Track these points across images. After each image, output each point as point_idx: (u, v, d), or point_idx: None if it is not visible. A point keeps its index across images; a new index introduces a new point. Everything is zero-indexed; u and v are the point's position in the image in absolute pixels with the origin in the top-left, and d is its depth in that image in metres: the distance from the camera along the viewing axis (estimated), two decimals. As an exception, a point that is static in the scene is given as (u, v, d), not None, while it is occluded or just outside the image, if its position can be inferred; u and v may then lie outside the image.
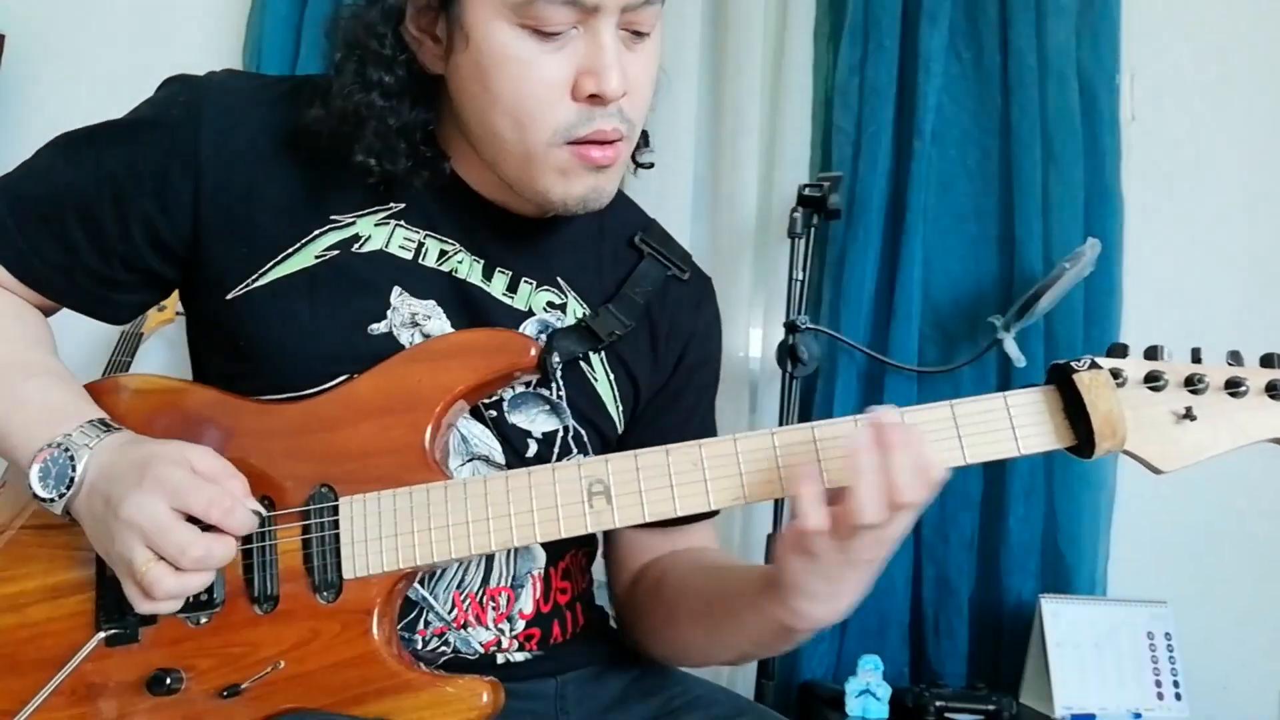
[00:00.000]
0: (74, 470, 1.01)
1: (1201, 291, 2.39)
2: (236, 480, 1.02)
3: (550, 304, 1.19)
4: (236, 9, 2.56)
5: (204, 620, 1.04)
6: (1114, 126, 2.40)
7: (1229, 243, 2.44)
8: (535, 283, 1.19)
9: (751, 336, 2.50)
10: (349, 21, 1.09)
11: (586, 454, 1.19)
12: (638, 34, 1.06)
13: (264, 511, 1.03)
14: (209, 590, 1.02)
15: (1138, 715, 2.11)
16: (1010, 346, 2.23)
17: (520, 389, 1.16)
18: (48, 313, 1.20)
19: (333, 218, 1.13)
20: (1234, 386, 0.98)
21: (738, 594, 1.10)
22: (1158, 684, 2.14)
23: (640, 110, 1.10)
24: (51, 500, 1.02)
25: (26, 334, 1.15)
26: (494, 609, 1.15)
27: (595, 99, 1.03)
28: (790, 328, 2.15)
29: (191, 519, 0.98)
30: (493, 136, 1.07)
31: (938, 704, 2.04)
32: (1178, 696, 2.13)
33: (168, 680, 1.03)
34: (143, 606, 1.00)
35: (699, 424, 1.31)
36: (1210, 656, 2.24)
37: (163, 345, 2.26)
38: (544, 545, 1.19)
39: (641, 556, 1.28)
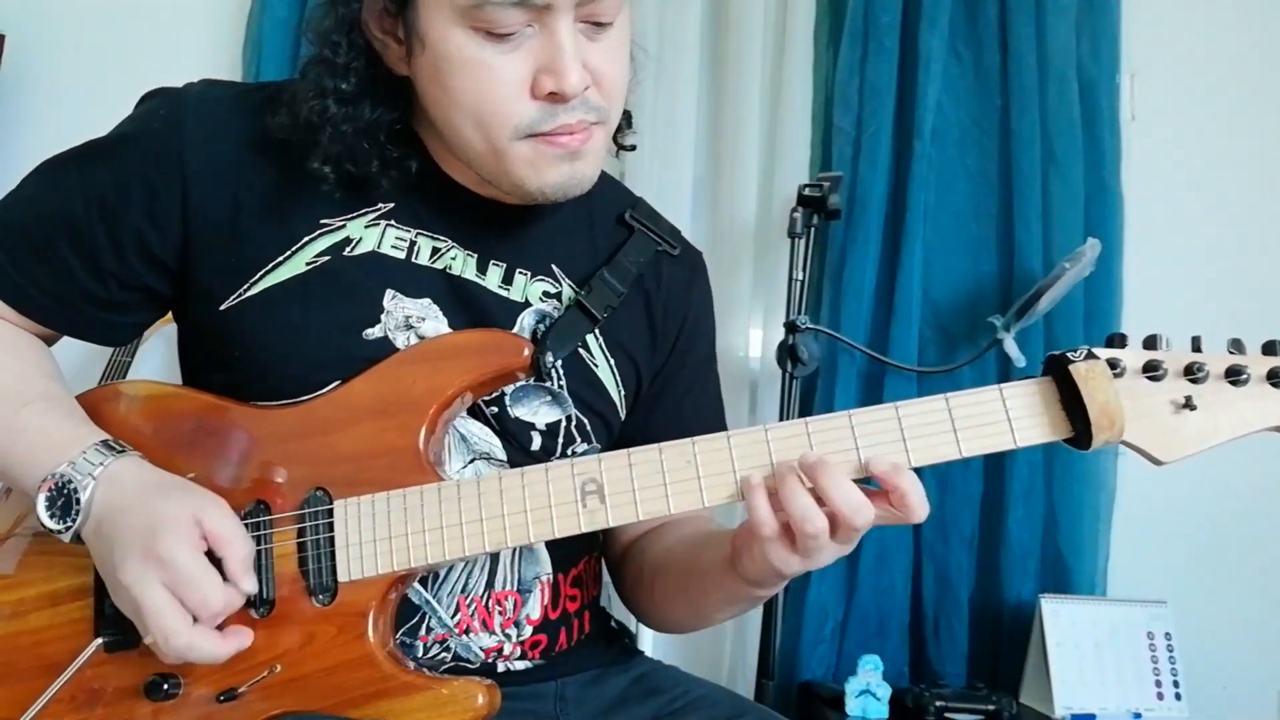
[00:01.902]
0: (79, 501, 1.01)
1: (1202, 291, 2.39)
2: (242, 543, 1.01)
3: (546, 293, 1.19)
4: (236, 10, 2.56)
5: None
6: (1114, 126, 2.40)
7: (1229, 242, 2.44)
8: (530, 273, 1.19)
9: (751, 336, 2.50)
10: (310, 27, 1.10)
11: (590, 442, 1.19)
12: (599, 24, 1.04)
13: (254, 588, 1.02)
14: None
15: (1138, 715, 2.11)
16: (1010, 346, 2.23)
17: (521, 382, 1.15)
18: (50, 341, 1.20)
19: (323, 222, 1.13)
20: (1235, 375, 0.96)
21: (709, 573, 1.12)
22: (1158, 684, 2.14)
23: (613, 94, 1.08)
24: (59, 531, 1.02)
25: (24, 361, 1.14)
26: (500, 614, 1.15)
27: (555, 96, 1.03)
28: (790, 328, 2.15)
29: None
30: (458, 136, 1.07)
31: (938, 704, 2.03)
32: (1178, 696, 2.13)
33: (165, 685, 1.03)
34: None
35: (699, 398, 1.32)
36: (1210, 656, 2.24)
37: (163, 344, 2.26)
38: (556, 552, 1.19)
39: (632, 532, 1.29)
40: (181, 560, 0.97)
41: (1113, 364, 0.96)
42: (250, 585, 1.01)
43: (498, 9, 0.99)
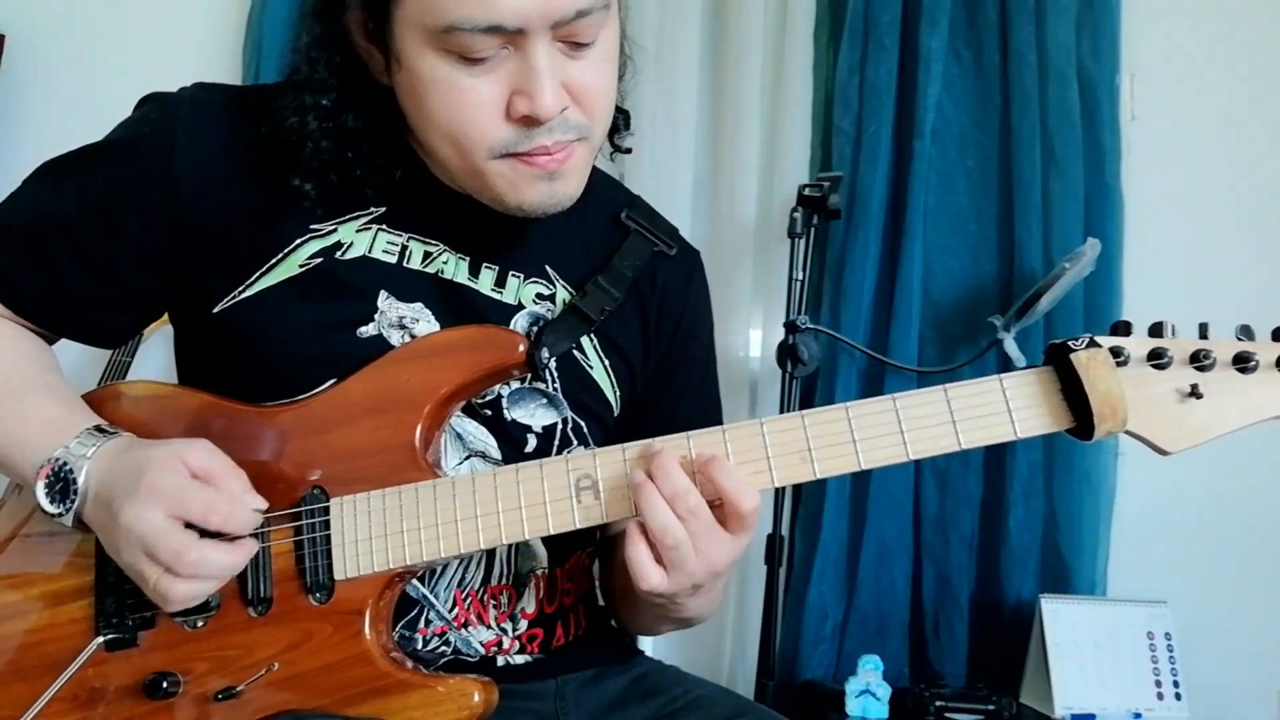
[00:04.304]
0: (76, 483, 1.01)
1: (1202, 291, 2.39)
2: (234, 477, 1.02)
3: (540, 295, 1.19)
4: (236, 9, 2.56)
5: (200, 624, 1.05)
6: (1114, 126, 2.40)
7: (1230, 242, 2.44)
8: (523, 275, 1.19)
9: (751, 336, 2.50)
10: (294, 41, 1.10)
11: (587, 444, 1.19)
12: (579, 44, 1.02)
13: (264, 504, 1.03)
14: None
15: (1138, 715, 2.11)
16: (1010, 347, 2.23)
17: (517, 384, 1.16)
18: (49, 342, 1.20)
19: (313, 226, 1.13)
20: (1243, 362, 0.94)
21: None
22: (1158, 684, 2.14)
23: (596, 112, 1.07)
24: (60, 515, 1.02)
25: (24, 354, 1.15)
26: (495, 608, 1.15)
27: (530, 119, 1.01)
28: (790, 328, 2.16)
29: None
30: (437, 152, 1.08)
31: (938, 704, 2.04)
32: (1178, 696, 2.14)
33: (164, 684, 1.03)
34: (168, 609, 1.02)
35: (695, 398, 1.31)
36: (1210, 656, 2.24)
37: (163, 344, 2.26)
38: (552, 546, 1.19)
39: (614, 527, 1.27)
40: (171, 482, 0.98)
41: (1116, 352, 0.94)
42: (258, 500, 1.02)
43: (469, 35, 0.97)
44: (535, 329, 1.17)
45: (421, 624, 1.12)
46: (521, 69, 1.00)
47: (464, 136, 1.03)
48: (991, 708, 2.04)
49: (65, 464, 1.02)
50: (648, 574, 0.97)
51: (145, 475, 0.98)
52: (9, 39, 2.53)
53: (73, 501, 1.01)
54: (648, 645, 1.77)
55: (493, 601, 1.15)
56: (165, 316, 1.21)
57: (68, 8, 2.63)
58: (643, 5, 2.45)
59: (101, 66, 2.56)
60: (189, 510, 0.98)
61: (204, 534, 0.99)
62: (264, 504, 1.03)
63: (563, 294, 1.20)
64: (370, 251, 1.14)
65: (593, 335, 1.20)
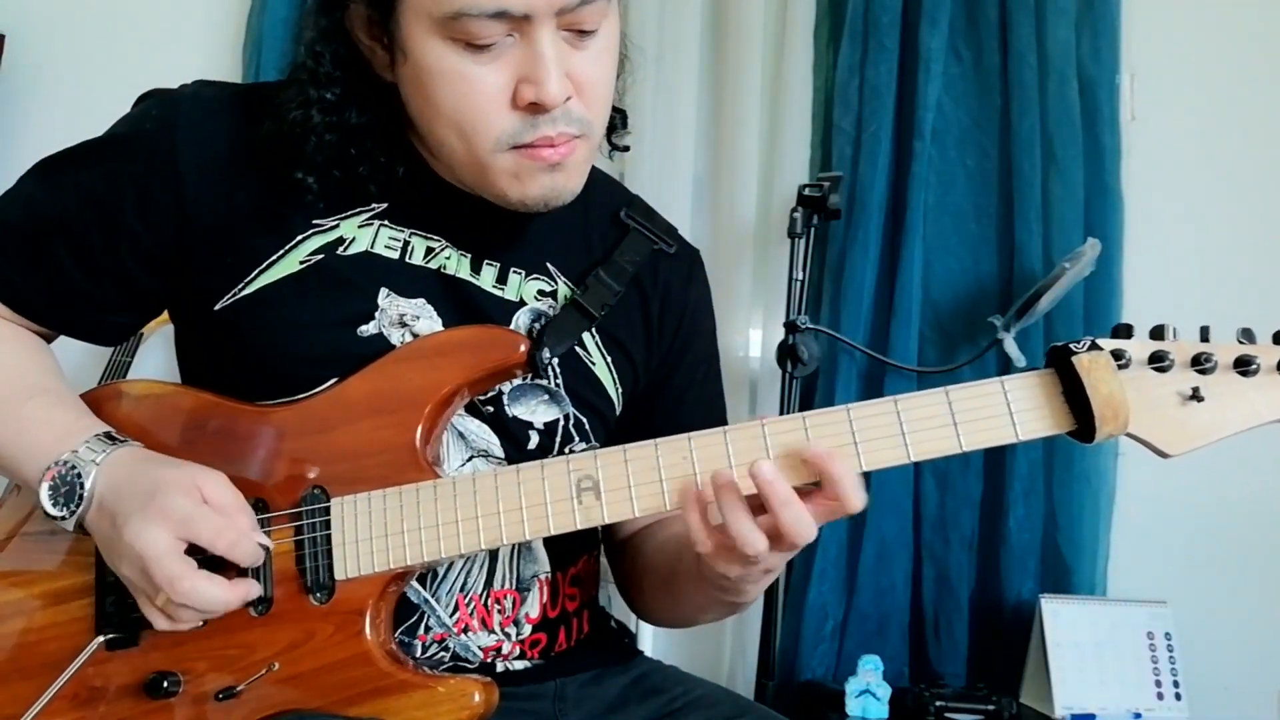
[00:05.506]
0: (83, 487, 1.01)
1: (1203, 291, 2.39)
2: (245, 512, 1.02)
3: (541, 292, 1.19)
4: (236, 9, 2.56)
5: (201, 624, 1.04)
6: (1114, 126, 2.40)
7: (1230, 242, 2.44)
8: (525, 272, 1.19)
9: (751, 336, 2.50)
10: (298, 36, 1.11)
11: (589, 441, 1.19)
12: (583, 33, 1.03)
13: (271, 544, 1.03)
14: None
15: (1138, 715, 2.11)
16: (1010, 347, 2.23)
17: (518, 381, 1.16)
18: (48, 340, 1.20)
19: (315, 222, 1.13)
20: (1244, 365, 0.94)
21: (686, 578, 1.12)
22: (1158, 684, 2.14)
23: (597, 105, 1.08)
24: (63, 518, 1.02)
25: (26, 356, 1.15)
26: (499, 612, 1.15)
27: (536, 106, 1.02)
28: (790, 328, 2.15)
29: (194, 551, 0.99)
30: (442, 145, 1.08)
31: (938, 704, 2.04)
32: (1178, 696, 2.13)
33: (165, 684, 1.03)
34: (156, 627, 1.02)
35: (698, 396, 1.32)
36: (1210, 656, 2.23)
37: (163, 344, 2.26)
38: (555, 550, 1.20)
39: (631, 526, 1.29)
40: (184, 506, 0.98)
41: (1118, 355, 0.94)
42: (264, 540, 1.02)
43: (476, 20, 0.98)
44: (536, 327, 1.17)
45: (421, 630, 1.12)
46: (527, 56, 1.01)
47: (470, 126, 1.04)
48: (991, 708, 2.04)
49: (73, 467, 1.02)
50: (726, 569, 0.98)
51: (158, 496, 0.98)
52: (9, 39, 2.53)
53: (77, 505, 1.02)
54: (648, 645, 1.77)
55: (497, 606, 1.15)
56: (165, 315, 1.21)
57: (68, 8, 2.62)
58: (643, 5, 2.45)
59: (101, 66, 2.56)
60: (198, 533, 0.98)
61: (204, 565, 0.99)
62: (271, 544, 1.03)
63: (564, 290, 1.20)
64: (372, 247, 1.14)
65: (595, 332, 1.20)
